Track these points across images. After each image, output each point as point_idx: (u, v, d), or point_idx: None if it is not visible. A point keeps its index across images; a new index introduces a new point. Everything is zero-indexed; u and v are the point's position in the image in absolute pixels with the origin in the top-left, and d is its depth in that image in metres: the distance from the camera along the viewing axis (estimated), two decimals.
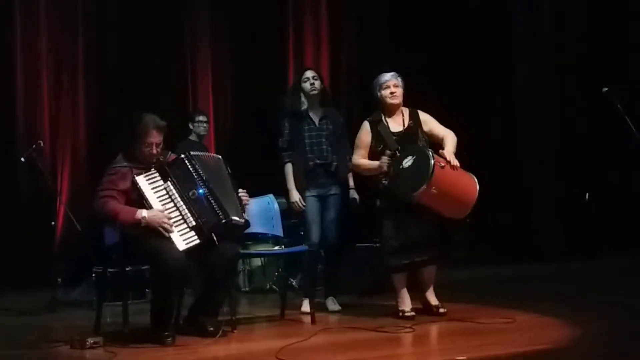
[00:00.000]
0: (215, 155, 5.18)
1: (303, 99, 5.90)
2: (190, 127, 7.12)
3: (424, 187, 5.04)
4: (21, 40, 7.76)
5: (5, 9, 7.71)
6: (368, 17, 8.99)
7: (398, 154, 5.26)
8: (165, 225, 4.72)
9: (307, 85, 5.90)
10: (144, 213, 4.72)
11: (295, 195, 5.79)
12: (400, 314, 5.38)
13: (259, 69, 8.43)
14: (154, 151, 4.87)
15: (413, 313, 5.38)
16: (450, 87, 8.27)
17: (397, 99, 5.46)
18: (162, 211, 4.75)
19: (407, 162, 5.20)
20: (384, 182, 5.32)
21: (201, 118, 7.17)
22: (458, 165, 5.25)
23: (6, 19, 7.71)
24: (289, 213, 6.00)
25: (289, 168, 5.82)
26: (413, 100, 5.61)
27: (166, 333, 4.72)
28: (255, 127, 8.28)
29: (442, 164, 5.13)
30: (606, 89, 5.52)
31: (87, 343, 4.63)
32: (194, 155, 5.00)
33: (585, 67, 8.79)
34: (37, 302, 6.32)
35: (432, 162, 5.07)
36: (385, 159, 5.28)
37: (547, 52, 9.09)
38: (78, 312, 6.19)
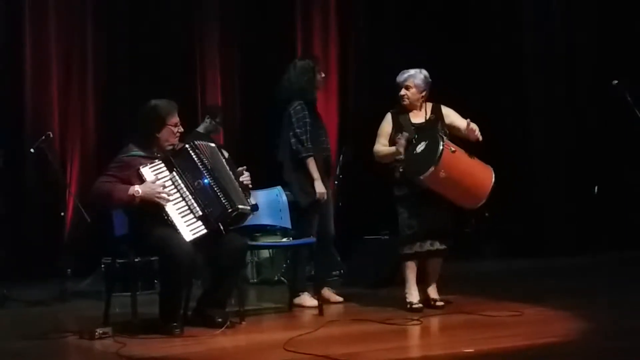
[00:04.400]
0: (209, 143, 5.16)
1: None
2: (207, 121, 7.05)
3: (432, 169, 5.08)
4: (30, 31, 7.77)
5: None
6: (377, 9, 8.97)
7: (414, 141, 5.30)
8: (161, 196, 4.72)
9: (319, 76, 5.89)
10: (137, 187, 4.72)
11: (321, 186, 5.72)
12: (408, 306, 5.39)
13: (268, 61, 8.41)
14: (181, 129, 4.93)
15: (421, 305, 5.39)
16: (460, 81, 8.23)
17: (406, 101, 5.48)
18: (154, 182, 4.75)
19: (420, 147, 5.27)
20: (400, 170, 5.35)
21: (219, 120, 7.08)
22: (477, 129, 5.26)
23: (15, 10, 7.73)
24: (296, 205, 5.98)
25: (312, 161, 5.73)
26: None
27: (174, 324, 4.73)
28: (264, 120, 8.28)
29: (453, 149, 5.17)
30: (616, 81, 5.50)
31: (96, 333, 4.66)
32: (198, 144, 5.00)
33: (597, 59, 8.76)
34: (47, 293, 6.34)
35: (442, 144, 5.11)
36: (400, 141, 5.29)
37: (558, 44, 9.05)
38: (87, 302, 6.22)
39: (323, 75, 5.90)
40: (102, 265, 6.44)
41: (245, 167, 5.11)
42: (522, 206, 8.71)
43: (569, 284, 6.61)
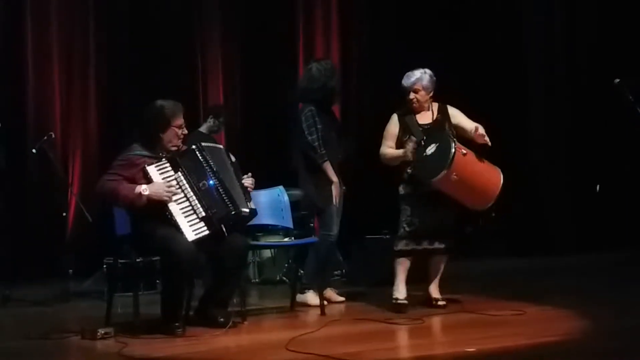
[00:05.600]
0: (218, 145, 5.18)
1: None
2: (210, 121, 7.04)
3: (445, 171, 5.08)
4: (32, 31, 7.78)
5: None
6: (379, 9, 8.96)
7: (423, 143, 5.30)
8: (167, 196, 4.72)
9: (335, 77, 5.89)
10: (144, 187, 4.73)
11: (339, 189, 5.72)
12: (394, 301, 5.38)
13: (269, 61, 8.42)
14: (185, 131, 4.94)
15: (406, 302, 5.37)
16: (461, 78, 8.23)
17: (416, 104, 5.47)
18: (161, 182, 4.76)
19: (431, 149, 5.27)
20: (408, 171, 5.35)
21: (222, 119, 7.07)
22: (484, 134, 5.26)
23: (17, 10, 7.73)
24: (298, 205, 5.99)
25: (328, 165, 5.70)
26: None
27: (177, 324, 4.74)
28: (265, 120, 8.29)
29: (464, 152, 5.17)
30: (618, 80, 5.49)
31: (98, 334, 4.66)
32: (205, 146, 5.01)
33: (597, 58, 8.76)
34: (49, 293, 6.34)
35: (454, 147, 5.11)
36: (409, 145, 5.30)
37: (558, 43, 9.06)
38: (89, 303, 6.22)
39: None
40: (104, 265, 6.44)
41: (250, 173, 5.12)
42: (524, 205, 8.70)
43: (570, 283, 6.62)
